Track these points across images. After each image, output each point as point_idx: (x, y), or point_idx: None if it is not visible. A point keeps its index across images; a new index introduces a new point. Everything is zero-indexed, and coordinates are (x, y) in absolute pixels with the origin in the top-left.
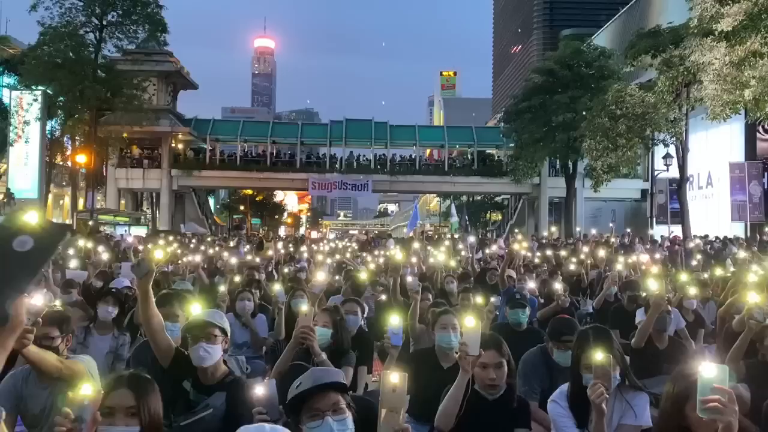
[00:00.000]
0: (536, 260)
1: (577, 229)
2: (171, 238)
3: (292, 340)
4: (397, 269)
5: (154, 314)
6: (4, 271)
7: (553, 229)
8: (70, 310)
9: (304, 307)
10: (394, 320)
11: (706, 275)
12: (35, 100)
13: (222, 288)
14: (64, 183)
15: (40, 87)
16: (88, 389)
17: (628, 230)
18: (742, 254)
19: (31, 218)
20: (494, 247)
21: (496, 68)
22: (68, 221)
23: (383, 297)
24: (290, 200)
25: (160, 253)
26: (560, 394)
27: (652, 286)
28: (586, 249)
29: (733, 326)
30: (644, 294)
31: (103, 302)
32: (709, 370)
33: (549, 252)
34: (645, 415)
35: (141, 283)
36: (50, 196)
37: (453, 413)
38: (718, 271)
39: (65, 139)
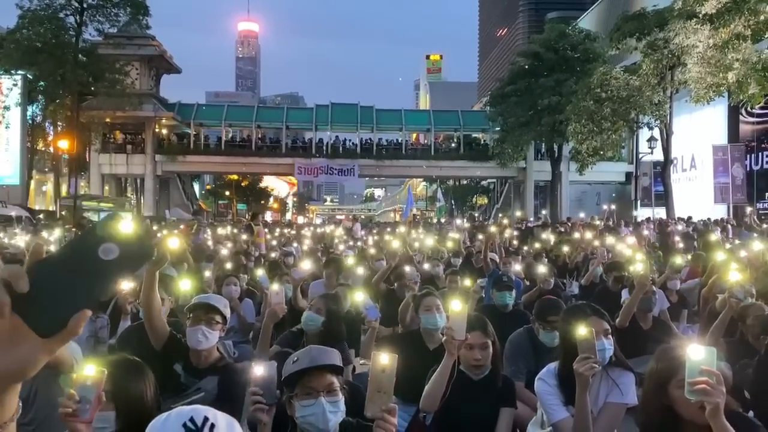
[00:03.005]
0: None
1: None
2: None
3: (266, 317)
4: (373, 258)
5: (156, 299)
6: (81, 277)
7: (518, 213)
8: None
9: (275, 286)
10: (359, 297)
11: (689, 257)
12: (15, 84)
13: (207, 273)
14: (46, 169)
15: (20, 71)
16: (91, 370)
17: (614, 207)
18: (713, 237)
19: (125, 227)
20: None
21: (481, 52)
22: (52, 208)
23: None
24: (279, 185)
25: (175, 242)
26: (548, 372)
27: (637, 266)
28: (577, 234)
29: (716, 306)
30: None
31: None
32: (697, 353)
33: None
34: (630, 393)
35: (150, 271)
36: (32, 183)
37: (438, 395)
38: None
39: (47, 124)
